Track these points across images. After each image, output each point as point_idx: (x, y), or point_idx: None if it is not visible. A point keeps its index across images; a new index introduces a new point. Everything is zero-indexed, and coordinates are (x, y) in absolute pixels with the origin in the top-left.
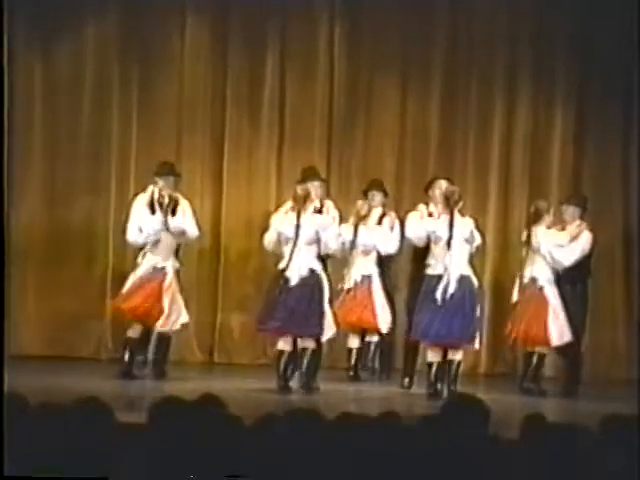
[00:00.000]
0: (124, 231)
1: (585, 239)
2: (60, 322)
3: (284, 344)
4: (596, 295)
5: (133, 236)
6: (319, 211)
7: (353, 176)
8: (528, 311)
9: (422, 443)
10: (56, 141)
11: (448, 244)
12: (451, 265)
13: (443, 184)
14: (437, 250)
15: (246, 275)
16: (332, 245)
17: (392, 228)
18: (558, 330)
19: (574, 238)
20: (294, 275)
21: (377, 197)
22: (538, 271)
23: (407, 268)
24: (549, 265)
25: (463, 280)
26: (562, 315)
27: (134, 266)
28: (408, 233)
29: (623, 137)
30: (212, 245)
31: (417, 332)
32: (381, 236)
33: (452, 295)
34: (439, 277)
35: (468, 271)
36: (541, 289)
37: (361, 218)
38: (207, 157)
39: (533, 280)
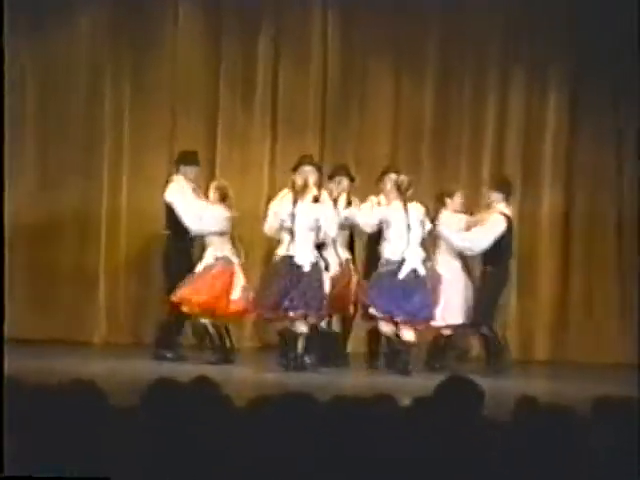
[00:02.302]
0: (117, 215)
1: (493, 224)
2: (54, 306)
3: (300, 325)
4: (588, 278)
5: (195, 225)
6: (316, 199)
7: (347, 161)
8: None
9: (416, 425)
10: (49, 126)
11: (406, 228)
12: (408, 248)
13: (393, 176)
14: (392, 235)
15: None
16: (331, 233)
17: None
18: (446, 312)
19: (478, 223)
20: (301, 261)
21: (344, 182)
22: (440, 254)
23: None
24: (451, 248)
25: (418, 262)
26: (456, 298)
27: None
28: (359, 220)
29: (616, 123)
30: None
31: (378, 310)
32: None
33: (410, 276)
34: (398, 260)
35: (422, 253)
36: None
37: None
38: (200, 142)
39: (433, 263)
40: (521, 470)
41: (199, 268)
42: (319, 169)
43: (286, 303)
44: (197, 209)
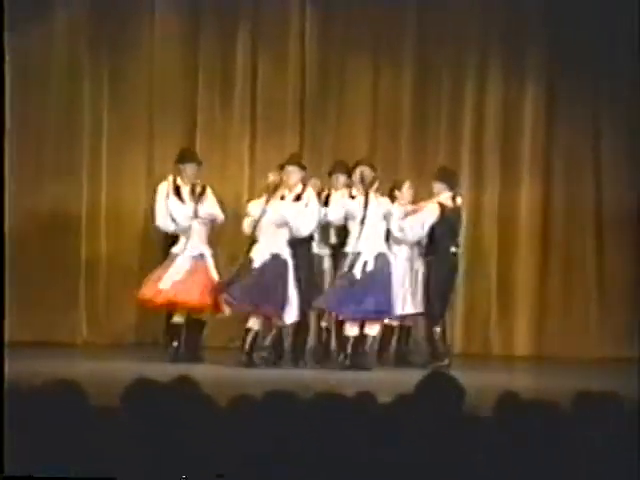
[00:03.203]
0: (96, 216)
1: (426, 213)
2: (35, 308)
3: (253, 323)
4: (569, 273)
5: (165, 225)
6: (298, 197)
7: (326, 157)
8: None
9: (397, 422)
10: (26, 126)
11: (362, 223)
12: (365, 243)
13: (365, 169)
14: (353, 229)
15: (216, 259)
16: (304, 231)
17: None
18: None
19: (413, 212)
20: (257, 258)
21: (341, 179)
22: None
23: None
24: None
25: (379, 257)
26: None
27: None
28: (329, 214)
29: (594, 115)
30: None
31: (333, 307)
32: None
33: (367, 271)
34: (355, 254)
35: (384, 248)
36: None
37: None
38: (179, 141)
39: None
40: (504, 466)
41: (174, 267)
42: (303, 168)
43: (238, 296)
44: (170, 209)
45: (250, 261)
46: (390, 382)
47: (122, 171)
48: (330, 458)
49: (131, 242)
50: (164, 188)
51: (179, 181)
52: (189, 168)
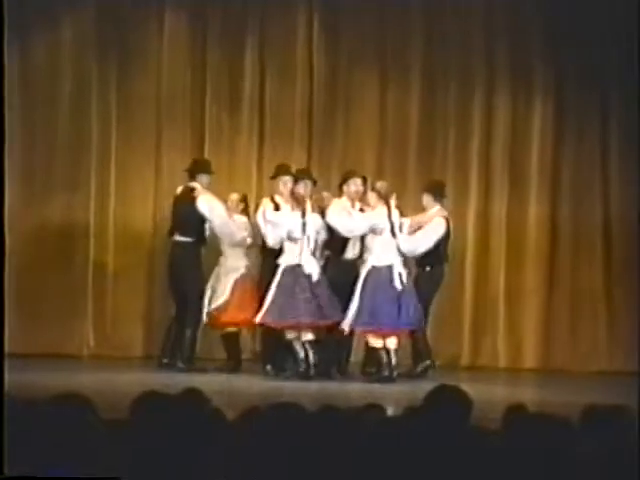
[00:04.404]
0: (104, 227)
1: (434, 227)
2: (42, 320)
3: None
4: (576, 287)
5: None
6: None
7: (333, 170)
8: None
9: (405, 434)
10: (35, 137)
11: (392, 234)
12: (394, 254)
13: (358, 181)
14: (380, 241)
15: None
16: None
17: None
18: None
19: (418, 226)
20: (312, 270)
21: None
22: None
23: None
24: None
25: (398, 269)
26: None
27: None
28: (341, 226)
29: (602, 129)
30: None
31: (372, 321)
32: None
33: (405, 283)
34: (388, 267)
35: (400, 259)
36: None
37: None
38: (187, 152)
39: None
40: (510, 479)
41: (230, 281)
42: (294, 177)
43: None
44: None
45: (301, 274)
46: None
47: (130, 183)
48: (338, 471)
49: (139, 254)
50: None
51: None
52: (205, 178)
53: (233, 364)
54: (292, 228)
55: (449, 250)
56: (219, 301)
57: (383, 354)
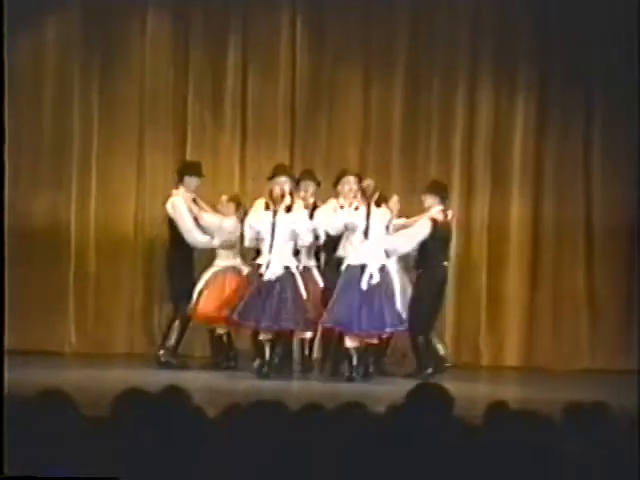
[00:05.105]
0: (85, 226)
1: (417, 228)
2: (25, 317)
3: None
4: (559, 285)
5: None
6: (289, 209)
7: (316, 168)
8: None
9: (387, 432)
10: (18, 137)
11: (365, 234)
12: (370, 254)
13: (352, 179)
14: (355, 240)
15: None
16: (307, 239)
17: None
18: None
19: (405, 226)
20: (269, 273)
21: (310, 187)
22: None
23: None
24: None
25: (383, 269)
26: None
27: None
28: (324, 224)
29: (585, 126)
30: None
31: (341, 322)
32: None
33: (374, 284)
34: (361, 267)
35: (385, 260)
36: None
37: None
38: (170, 151)
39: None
40: (492, 476)
41: (207, 277)
42: (292, 178)
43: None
44: (207, 222)
45: (260, 275)
46: (382, 393)
47: (112, 183)
48: (322, 469)
49: (120, 253)
50: (182, 203)
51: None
52: (194, 181)
53: (217, 362)
54: (261, 229)
55: (451, 252)
56: (195, 294)
57: (352, 353)
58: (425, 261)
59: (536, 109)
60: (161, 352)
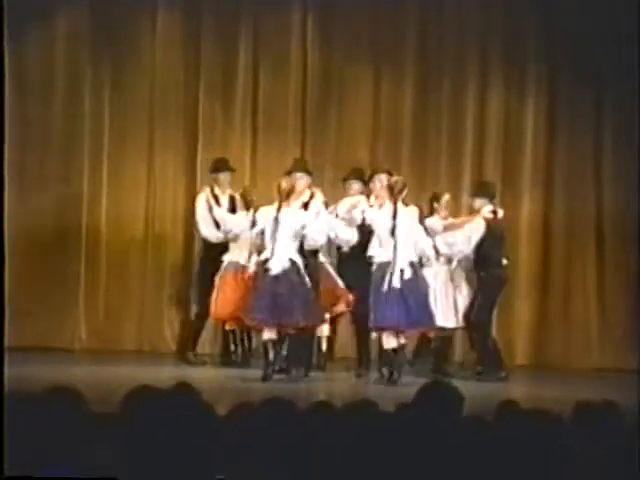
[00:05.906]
0: (96, 223)
1: (472, 229)
2: (35, 313)
3: (269, 333)
4: (569, 285)
5: (209, 233)
6: (305, 205)
7: (327, 165)
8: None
9: (397, 430)
10: (28, 132)
11: (392, 233)
12: (398, 252)
13: (383, 177)
14: (383, 238)
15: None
16: (319, 239)
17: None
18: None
19: (458, 227)
20: (275, 266)
21: (355, 186)
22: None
23: None
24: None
25: (413, 266)
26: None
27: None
28: (335, 228)
29: (595, 123)
30: (186, 235)
31: (378, 320)
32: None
33: (405, 281)
34: (388, 264)
35: (414, 257)
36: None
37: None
38: (181, 148)
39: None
40: (502, 475)
41: (220, 274)
42: (310, 174)
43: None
44: (217, 217)
45: (266, 270)
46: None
47: (123, 179)
48: (330, 466)
49: (131, 250)
50: (203, 198)
51: (216, 190)
52: (223, 176)
53: (228, 359)
54: (266, 223)
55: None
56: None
57: (390, 354)
58: (485, 262)
59: (546, 108)
60: (190, 353)
